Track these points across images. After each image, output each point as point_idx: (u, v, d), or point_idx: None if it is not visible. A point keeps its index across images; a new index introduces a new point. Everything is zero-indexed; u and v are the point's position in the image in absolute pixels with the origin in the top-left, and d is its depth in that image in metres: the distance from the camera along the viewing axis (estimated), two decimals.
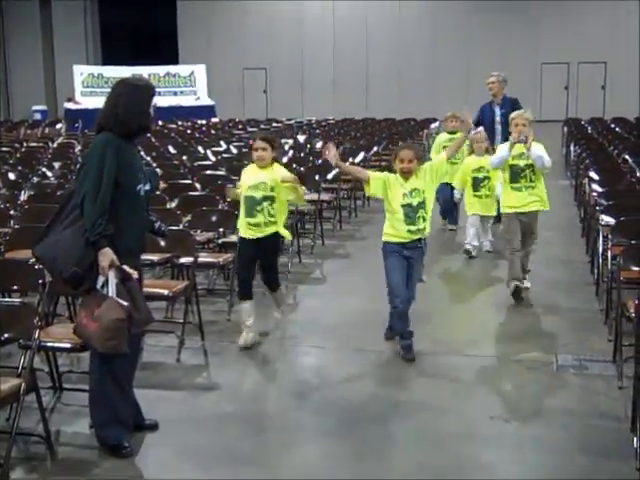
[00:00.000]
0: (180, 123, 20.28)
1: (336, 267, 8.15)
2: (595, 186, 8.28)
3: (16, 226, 6.52)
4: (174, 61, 28.30)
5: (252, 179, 5.60)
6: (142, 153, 11.13)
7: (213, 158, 11.73)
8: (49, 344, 4.29)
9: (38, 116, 25.22)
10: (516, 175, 6.41)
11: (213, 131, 18.39)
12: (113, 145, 3.90)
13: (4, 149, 13.90)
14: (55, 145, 15.32)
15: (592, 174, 8.90)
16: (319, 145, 13.88)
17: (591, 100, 26.04)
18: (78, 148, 14.24)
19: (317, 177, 9.39)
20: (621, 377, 4.83)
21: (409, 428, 4.37)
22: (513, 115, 6.56)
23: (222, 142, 14.35)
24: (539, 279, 6.87)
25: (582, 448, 4.07)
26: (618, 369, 4.93)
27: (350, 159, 11.17)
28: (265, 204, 5.54)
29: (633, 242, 5.52)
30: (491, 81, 9.47)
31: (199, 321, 5.75)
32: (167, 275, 6.91)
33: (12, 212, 7.09)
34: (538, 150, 6.34)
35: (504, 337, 5.94)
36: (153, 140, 14.07)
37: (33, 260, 4.23)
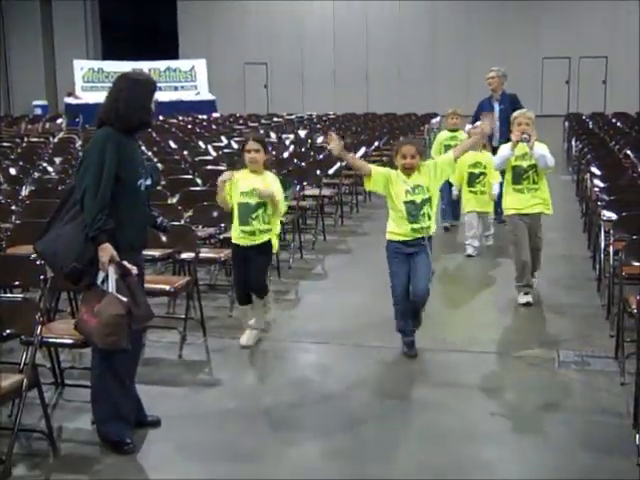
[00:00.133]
0: (181, 118, 20.26)
1: (337, 263, 8.15)
2: (597, 181, 8.26)
3: (17, 221, 6.51)
4: (175, 56, 28.25)
5: (245, 186, 5.42)
6: (143, 148, 11.13)
7: (214, 153, 11.72)
8: (51, 340, 4.29)
9: (38, 111, 25.19)
10: (519, 176, 6.26)
11: (214, 126, 18.37)
12: (114, 140, 3.89)
13: (5, 144, 13.89)
14: (56, 140, 15.31)
15: (594, 169, 8.88)
16: (320, 140, 13.87)
17: (592, 95, 26.00)
18: (79, 143, 14.23)
19: (318, 172, 9.38)
20: (623, 373, 4.82)
21: (409, 425, 4.37)
22: (515, 114, 6.40)
23: (223, 137, 14.33)
24: (541, 275, 6.85)
25: (584, 444, 4.07)
26: (620, 365, 4.93)
27: (351, 154, 11.14)
28: (260, 211, 5.41)
29: (635, 237, 5.50)
30: (491, 76, 9.45)
31: (201, 317, 5.75)
32: (168, 271, 6.91)
33: (13, 207, 7.08)
34: (541, 149, 6.19)
35: (505, 333, 5.93)
36: (154, 135, 14.06)
37: (34, 256, 4.22)
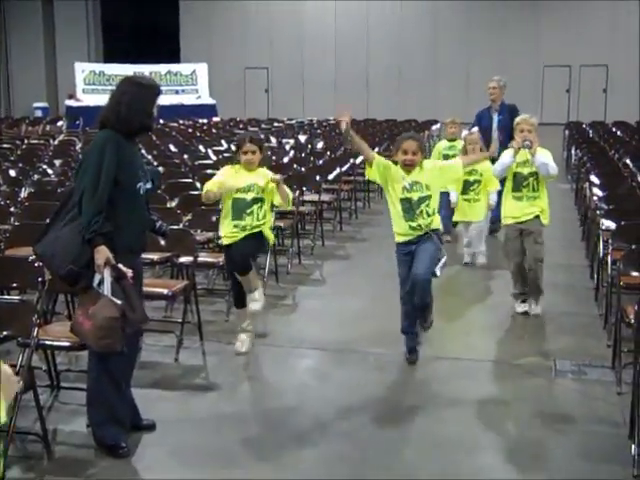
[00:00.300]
0: (181, 122, 20.27)
1: (336, 268, 8.14)
2: (596, 190, 8.27)
3: (16, 223, 6.51)
4: (176, 59, 28.30)
5: (241, 182, 5.37)
6: (143, 151, 11.13)
7: (214, 157, 11.72)
8: (48, 342, 4.28)
9: (39, 113, 25.22)
10: (519, 183, 6.13)
11: (214, 130, 18.38)
12: (113, 143, 3.90)
13: (5, 146, 13.89)
14: (56, 142, 15.30)
15: (593, 178, 8.89)
16: (320, 145, 13.88)
17: (592, 103, 26.04)
18: (79, 145, 14.23)
19: (318, 178, 9.38)
20: (620, 383, 4.82)
21: (406, 432, 4.37)
22: (518, 120, 6.27)
23: (223, 141, 14.33)
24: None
25: (580, 454, 4.06)
26: (617, 375, 4.92)
27: (351, 160, 11.17)
28: (255, 207, 5.35)
29: (633, 247, 5.50)
30: (492, 86, 9.44)
31: (198, 321, 5.74)
32: (167, 274, 6.90)
33: (12, 209, 7.08)
34: (543, 157, 6.04)
35: (502, 342, 5.93)
36: (154, 139, 14.06)
37: (33, 257, 4.22)
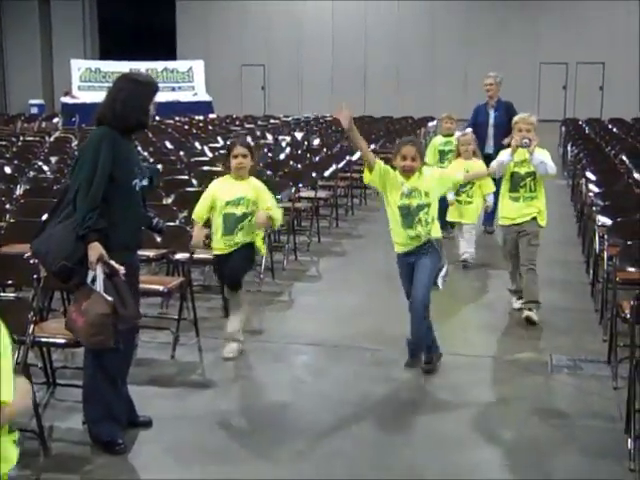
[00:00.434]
0: (177, 119, 20.24)
1: (332, 264, 8.14)
2: (592, 186, 8.27)
3: (11, 220, 6.49)
4: (172, 56, 28.26)
5: (229, 194, 5.18)
6: (139, 148, 11.11)
7: (210, 154, 11.72)
8: (43, 339, 4.28)
9: (35, 110, 25.14)
10: (516, 183, 6.03)
11: (210, 127, 18.36)
12: (109, 139, 3.89)
13: (0, 143, 13.85)
14: (52, 139, 15.27)
15: (589, 174, 8.90)
16: (316, 142, 13.87)
17: (589, 100, 26.07)
18: (75, 143, 14.20)
19: (314, 174, 9.38)
20: (616, 378, 4.83)
21: (402, 427, 4.37)
22: (516, 119, 6.15)
23: (219, 138, 14.32)
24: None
25: (576, 449, 4.07)
26: (613, 370, 4.93)
27: (347, 157, 11.16)
28: (246, 221, 5.18)
29: (629, 243, 5.51)
30: (489, 82, 9.41)
31: (194, 317, 5.74)
32: (162, 271, 6.89)
33: (8, 206, 7.07)
34: (541, 156, 5.94)
35: (499, 337, 5.93)
36: (150, 135, 14.04)
37: (28, 254, 4.21)
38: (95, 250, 3.78)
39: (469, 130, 8.75)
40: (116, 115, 3.93)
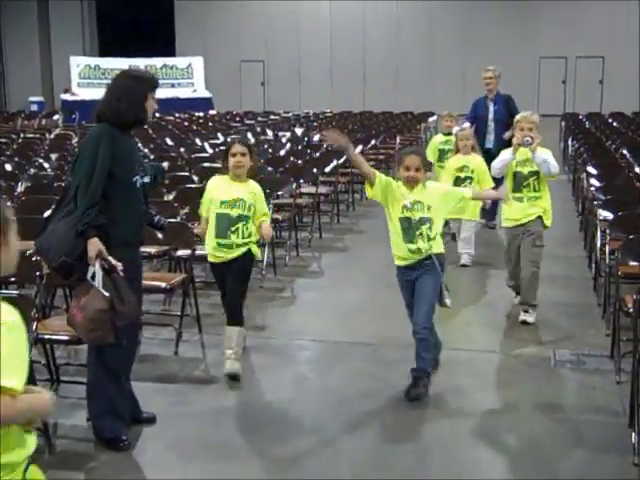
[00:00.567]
0: (177, 115, 20.23)
1: (334, 260, 8.14)
2: (593, 181, 8.27)
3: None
4: (171, 53, 28.21)
5: (225, 194, 4.94)
6: (139, 145, 11.10)
7: (210, 150, 11.70)
8: (46, 336, 4.28)
9: (35, 107, 25.13)
10: (519, 184, 5.87)
11: (210, 123, 18.35)
12: (108, 136, 3.89)
13: (1, 140, 13.84)
14: (52, 136, 15.26)
15: (590, 169, 8.89)
16: (316, 138, 13.86)
17: (589, 95, 26.02)
18: (75, 140, 14.19)
19: (315, 170, 9.37)
20: (619, 372, 4.84)
21: (405, 422, 4.37)
22: (518, 117, 6.03)
23: (219, 134, 14.32)
24: None
25: (579, 443, 4.07)
26: (616, 364, 4.94)
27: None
28: (240, 224, 4.90)
29: (631, 237, 5.51)
30: (489, 76, 9.39)
31: (196, 314, 5.74)
32: (165, 268, 6.89)
33: (9, 203, 7.04)
34: (543, 154, 5.80)
35: (501, 332, 5.93)
36: (150, 132, 14.04)
37: (30, 251, 4.21)
38: (94, 246, 3.78)
39: (467, 125, 8.72)
40: (115, 112, 3.93)
